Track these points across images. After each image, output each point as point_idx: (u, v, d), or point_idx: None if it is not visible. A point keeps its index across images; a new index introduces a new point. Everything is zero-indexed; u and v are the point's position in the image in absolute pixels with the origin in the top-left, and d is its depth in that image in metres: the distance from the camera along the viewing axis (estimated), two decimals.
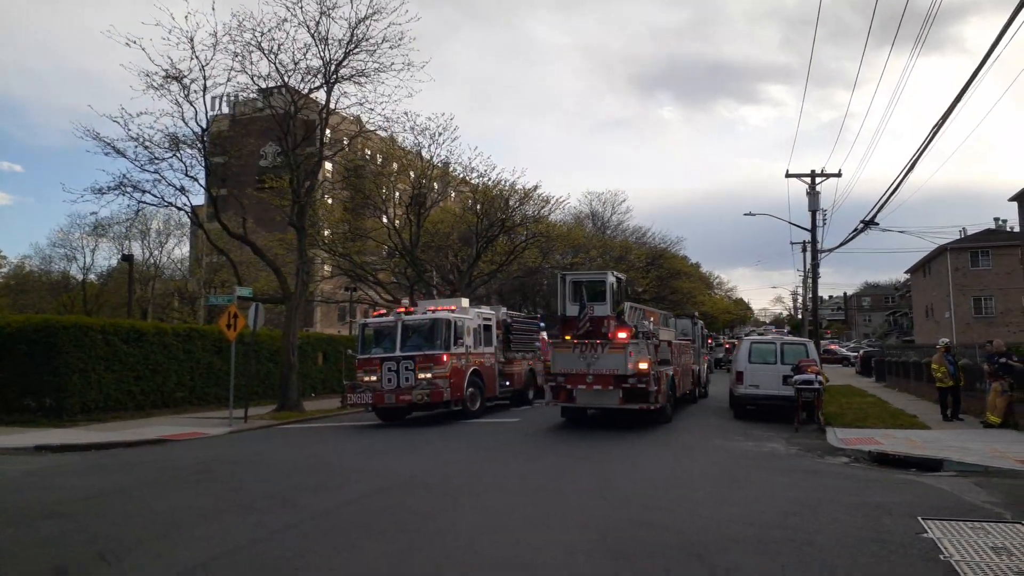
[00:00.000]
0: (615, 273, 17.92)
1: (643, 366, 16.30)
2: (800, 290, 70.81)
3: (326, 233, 34.47)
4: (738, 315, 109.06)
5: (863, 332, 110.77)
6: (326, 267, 38.74)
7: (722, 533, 7.08)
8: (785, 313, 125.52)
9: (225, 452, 14.16)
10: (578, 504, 8.60)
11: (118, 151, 21.11)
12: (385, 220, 34.96)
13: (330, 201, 33.59)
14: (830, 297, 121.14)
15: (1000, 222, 53.62)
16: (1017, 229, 39.97)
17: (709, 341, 37.03)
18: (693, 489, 9.57)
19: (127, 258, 32.88)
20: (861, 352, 50.13)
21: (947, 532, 6.94)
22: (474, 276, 34.23)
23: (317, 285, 37.76)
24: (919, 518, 7.51)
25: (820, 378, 17.26)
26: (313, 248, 29.85)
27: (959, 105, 13.70)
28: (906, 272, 68.22)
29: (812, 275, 36.08)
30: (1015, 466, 10.68)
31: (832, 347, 58.93)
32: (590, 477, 10.64)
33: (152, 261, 47.42)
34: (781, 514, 7.84)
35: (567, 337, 16.87)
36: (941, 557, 6.12)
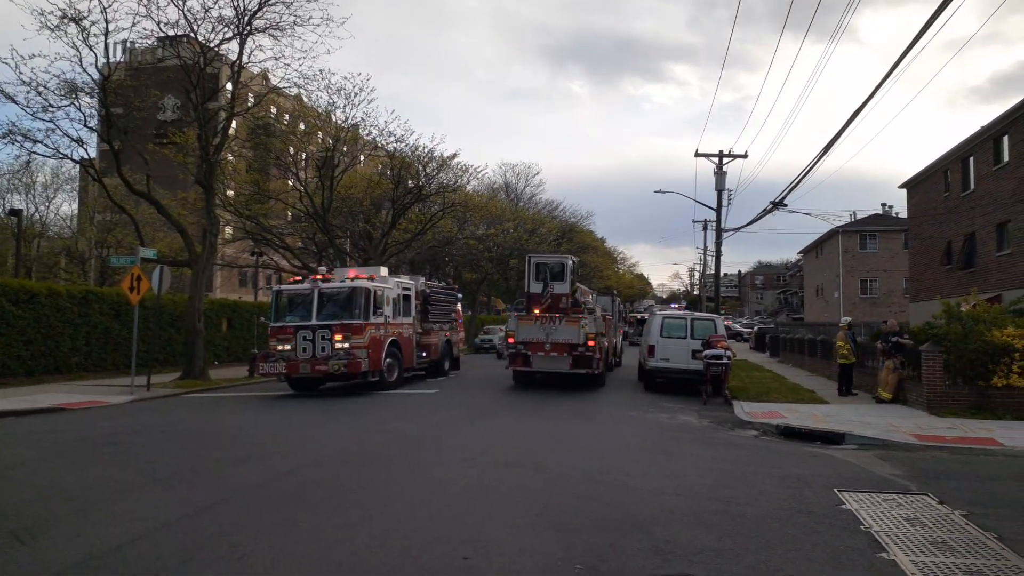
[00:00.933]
0: (572, 257, 21.08)
1: (591, 337, 19.02)
2: (699, 267, 73.35)
3: (230, 194, 32.93)
4: (640, 290, 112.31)
5: (755, 309, 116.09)
6: (228, 229, 37.08)
7: (658, 505, 7.30)
8: (683, 289, 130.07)
9: (132, 422, 13.51)
10: (514, 477, 8.65)
11: (8, 96, 19.55)
12: (292, 183, 33.74)
13: (231, 158, 31.98)
14: (725, 275, 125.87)
15: (887, 207, 56.87)
16: (903, 215, 42.52)
17: (627, 317, 39.45)
18: (623, 461, 9.79)
19: (15, 213, 30.41)
20: (755, 328, 52.56)
21: (863, 503, 7.38)
22: (388, 244, 33.62)
23: (220, 249, 36.15)
24: (835, 490, 7.97)
25: (729, 353, 17.92)
26: (216, 209, 28.46)
27: (872, 102, 14.51)
28: (799, 252, 71.63)
29: (716, 252, 37.31)
30: (910, 439, 11.48)
31: (727, 323, 61.37)
32: (521, 450, 10.73)
33: (38, 217, 44.22)
34: (711, 486, 8.14)
35: (536, 311, 19.26)
36: (862, 528, 6.51)
